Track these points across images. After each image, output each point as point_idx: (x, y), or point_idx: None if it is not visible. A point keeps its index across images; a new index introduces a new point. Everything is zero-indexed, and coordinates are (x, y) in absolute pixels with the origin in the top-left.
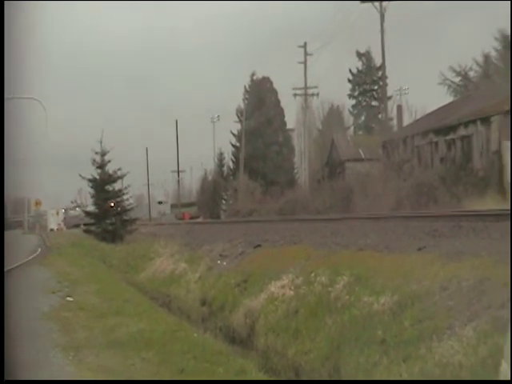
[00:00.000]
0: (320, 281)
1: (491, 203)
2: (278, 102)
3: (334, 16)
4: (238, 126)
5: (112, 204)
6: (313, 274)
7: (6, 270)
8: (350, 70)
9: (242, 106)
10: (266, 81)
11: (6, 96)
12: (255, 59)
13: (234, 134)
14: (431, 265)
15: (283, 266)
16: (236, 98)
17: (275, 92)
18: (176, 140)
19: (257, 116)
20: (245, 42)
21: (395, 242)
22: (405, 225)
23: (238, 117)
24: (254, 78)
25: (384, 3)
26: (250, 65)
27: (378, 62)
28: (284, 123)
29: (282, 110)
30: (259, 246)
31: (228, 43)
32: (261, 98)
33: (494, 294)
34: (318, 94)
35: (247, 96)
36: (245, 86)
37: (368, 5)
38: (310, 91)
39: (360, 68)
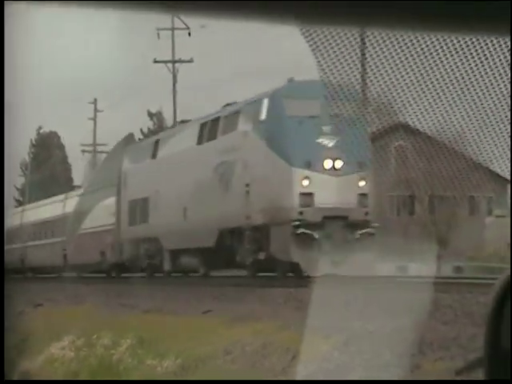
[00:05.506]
0: (102, 343)
1: None
2: (66, 157)
3: (127, 74)
4: (23, 180)
5: None
6: (95, 336)
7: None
8: (141, 130)
9: (27, 159)
10: (53, 135)
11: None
12: (42, 112)
13: (17, 188)
14: (216, 328)
15: (65, 326)
16: (21, 151)
17: (62, 147)
18: None
19: (42, 170)
20: (31, 94)
21: (181, 304)
22: (191, 288)
23: (23, 170)
24: (41, 131)
25: (176, 65)
26: (36, 118)
27: (169, 122)
28: (71, 179)
29: (69, 165)
30: (41, 305)
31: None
32: (47, 152)
33: (277, 359)
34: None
35: (33, 150)
36: (31, 140)
37: (161, 65)
38: (99, 148)
39: (151, 128)
